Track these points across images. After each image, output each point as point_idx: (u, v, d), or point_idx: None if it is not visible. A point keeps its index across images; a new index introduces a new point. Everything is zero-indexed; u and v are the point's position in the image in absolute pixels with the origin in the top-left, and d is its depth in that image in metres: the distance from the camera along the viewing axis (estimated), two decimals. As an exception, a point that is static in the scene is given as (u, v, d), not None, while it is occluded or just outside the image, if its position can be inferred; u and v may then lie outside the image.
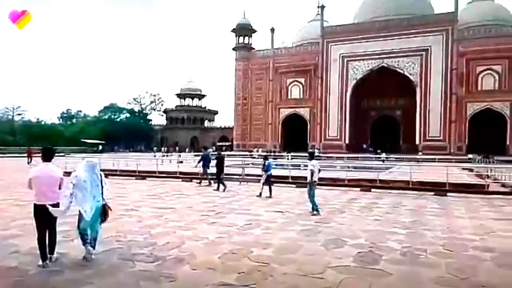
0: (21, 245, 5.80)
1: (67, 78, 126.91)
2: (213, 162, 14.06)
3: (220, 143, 66.90)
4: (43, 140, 42.93)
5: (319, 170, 9.59)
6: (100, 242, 5.95)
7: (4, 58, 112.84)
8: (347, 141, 51.08)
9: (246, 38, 61.17)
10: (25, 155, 30.45)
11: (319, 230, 6.99)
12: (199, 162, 14.72)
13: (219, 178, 13.05)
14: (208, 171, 14.26)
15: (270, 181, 11.79)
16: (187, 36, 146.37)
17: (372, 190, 12.69)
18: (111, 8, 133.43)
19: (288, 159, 29.36)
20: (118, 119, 71.62)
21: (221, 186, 12.87)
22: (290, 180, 14.12)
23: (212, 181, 13.90)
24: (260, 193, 11.36)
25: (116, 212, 7.87)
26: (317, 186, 12.96)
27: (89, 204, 5.18)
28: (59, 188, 5.07)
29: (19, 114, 65.00)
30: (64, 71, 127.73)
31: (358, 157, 28.94)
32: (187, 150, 53.00)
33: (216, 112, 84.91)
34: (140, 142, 67.50)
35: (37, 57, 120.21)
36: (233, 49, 61.16)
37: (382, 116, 53.95)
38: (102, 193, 5.38)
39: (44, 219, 4.91)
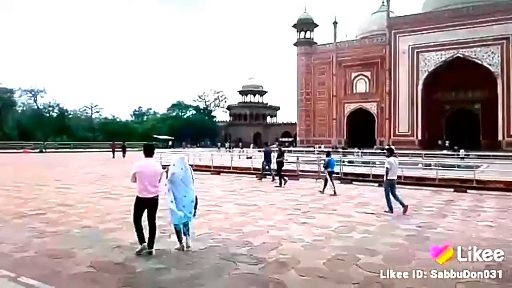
0: (122, 239, 5.84)
1: (138, 77, 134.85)
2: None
3: (283, 139, 66.68)
4: (118, 136, 45.83)
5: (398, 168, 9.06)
6: (196, 239, 5.93)
7: (83, 59, 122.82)
8: (419, 137, 48.09)
9: (308, 32, 60.20)
10: (108, 149, 33.99)
11: (426, 236, 6.27)
12: (264, 158, 15.07)
13: (280, 173, 13.20)
14: (269, 165, 14.61)
15: (330, 177, 11.37)
16: (249, 33, 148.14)
17: (468, 191, 11.44)
18: (177, 10, 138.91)
19: (358, 155, 28.12)
20: (185, 116, 74.60)
21: (274, 179, 13.41)
22: (371, 178, 13.26)
23: (265, 176, 14.34)
24: (334, 191, 10.93)
25: (203, 208, 7.83)
26: (403, 186, 12.24)
27: (185, 199, 5.38)
28: (159, 182, 5.30)
29: (97, 112, 70.26)
30: (135, 70, 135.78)
31: (437, 154, 26.80)
32: (251, 146, 53.41)
33: (278, 108, 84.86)
34: (205, 138, 69.51)
35: (113, 58, 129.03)
36: (294, 44, 60.48)
37: (458, 110, 49.88)
38: (193, 187, 5.58)
39: (144, 210, 5.22)
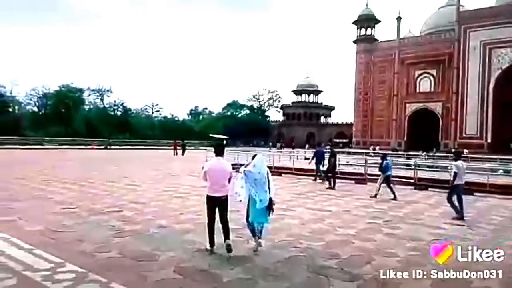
0: (200, 242, 5.58)
1: (195, 77, 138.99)
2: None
3: (337, 140, 65.02)
4: (176, 135, 47.21)
5: (465, 173, 8.43)
6: (276, 246, 5.62)
7: (145, 60, 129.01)
8: (489, 140, 44.35)
9: (369, 29, 58.02)
10: (167, 147, 36.33)
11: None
12: (312, 158, 15.09)
13: (333, 175, 12.85)
14: (321, 167, 14.37)
15: (390, 181, 10.93)
16: (305, 31, 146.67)
17: None
18: (232, 9, 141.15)
19: (425, 159, 26.36)
20: (239, 115, 75.45)
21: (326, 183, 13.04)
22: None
23: (324, 179, 13.85)
24: (376, 194, 10.54)
25: (275, 212, 7.45)
26: (488, 194, 11.16)
27: (260, 196, 5.21)
28: (228, 182, 5.25)
29: (157, 111, 73.27)
30: (192, 70, 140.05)
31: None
32: (306, 146, 52.50)
33: (332, 108, 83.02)
34: (258, 138, 69.69)
35: (172, 59, 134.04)
36: (354, 41, 58.60)
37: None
38: (269, 188, 5.35)
39: (216, 209, 5.21)
